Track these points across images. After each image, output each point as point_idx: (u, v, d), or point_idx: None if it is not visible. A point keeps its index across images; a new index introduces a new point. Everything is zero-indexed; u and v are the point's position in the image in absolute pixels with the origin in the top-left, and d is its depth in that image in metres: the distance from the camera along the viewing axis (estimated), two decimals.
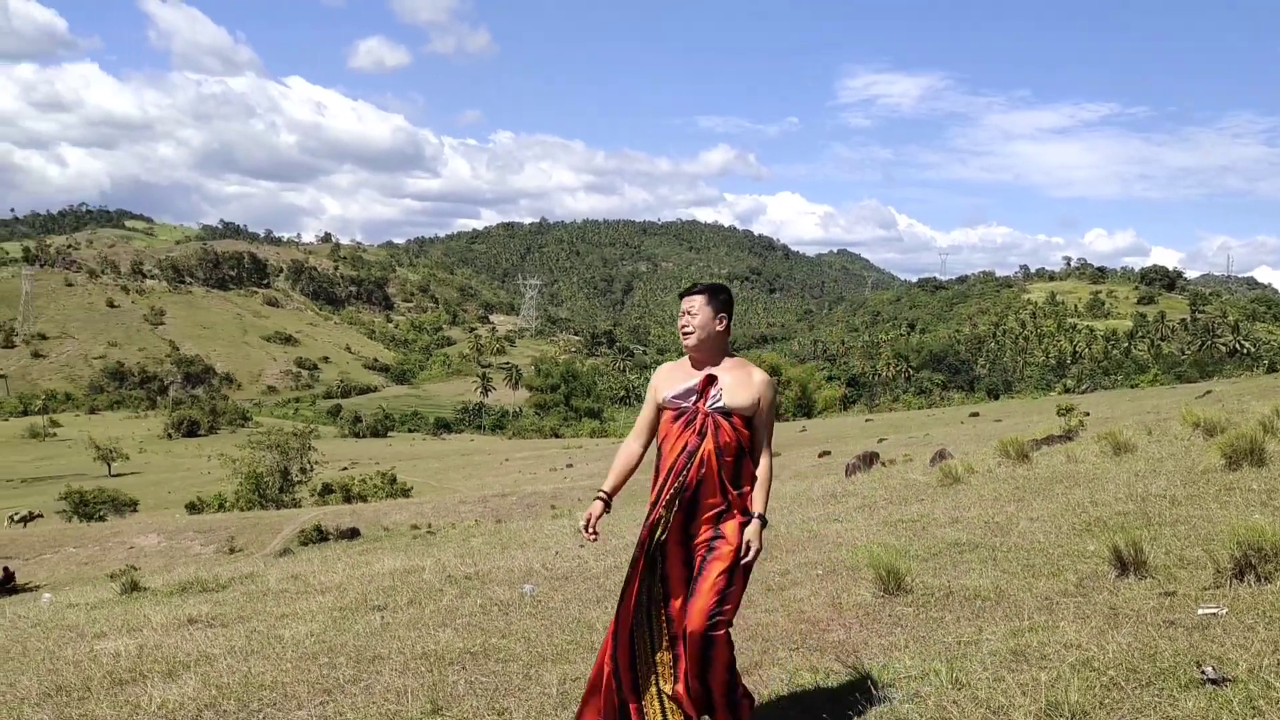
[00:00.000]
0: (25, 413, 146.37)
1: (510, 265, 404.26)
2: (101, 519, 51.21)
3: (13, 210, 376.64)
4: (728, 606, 3.82)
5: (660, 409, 4.05)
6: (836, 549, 7.92)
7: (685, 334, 4.03)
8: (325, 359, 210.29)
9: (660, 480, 3.92)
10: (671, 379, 4.07)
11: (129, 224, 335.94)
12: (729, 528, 3.88)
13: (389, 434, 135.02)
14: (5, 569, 29.95)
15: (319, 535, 31.73)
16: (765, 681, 4.55)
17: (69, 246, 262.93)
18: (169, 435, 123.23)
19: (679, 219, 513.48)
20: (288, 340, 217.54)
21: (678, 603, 3.89)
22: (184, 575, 10.83)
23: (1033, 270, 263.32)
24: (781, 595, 6.35)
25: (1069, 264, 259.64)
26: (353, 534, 30.98)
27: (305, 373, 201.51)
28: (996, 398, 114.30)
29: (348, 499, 51.01)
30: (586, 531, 3.95)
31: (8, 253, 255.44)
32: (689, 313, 4.04)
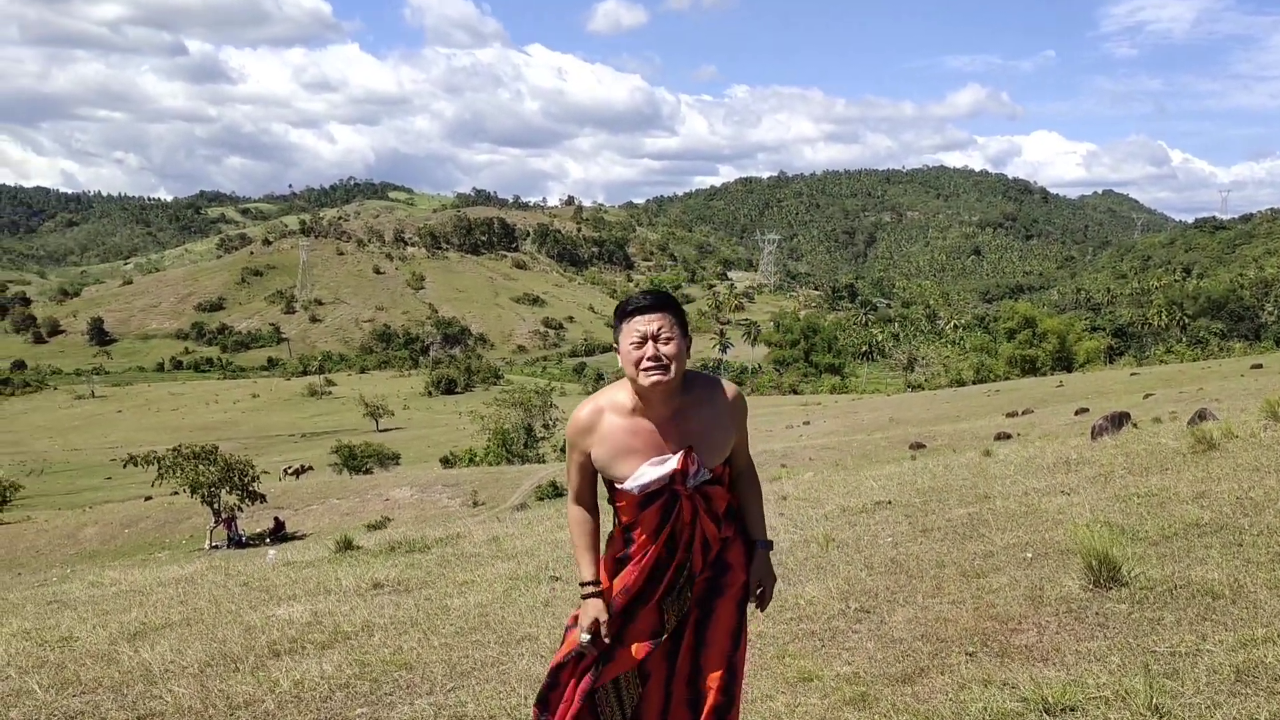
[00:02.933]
0: (305, 372, 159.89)
1: (748, 221, 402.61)
2: (368, 472, 55.01)
3: (290, 186, 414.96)
4: (741, 650, 3.07)
5: (606, 479, 3.05)
6: (1054, 528, 7.03)
7: (652, 372, 2.84)
8: (570, 318, 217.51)
9: (640, 574, 2.95)
10: (618, 450, 2.93)
11: (392, 195, 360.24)
12: (734, 554, 3.08)
13: None
14: (277, 519, 32.72)
15: (554, 490, 32.69)
16: (926, 695, 3.94)
17: (339, 218, 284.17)
18: (429, 393, 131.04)
19: (925, 165, 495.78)
20: (535, 301, 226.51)
21: (655, 684, 3.04)
22: (394, 535, 11.18)
23: None
24: (975, 583, 5.63)
25: None
26: None
27: (552, 332, 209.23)
28: None
29: None
30: (601, 640, 2.98)
31: (287, 226, 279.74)
32: (655, 339, 2.87)
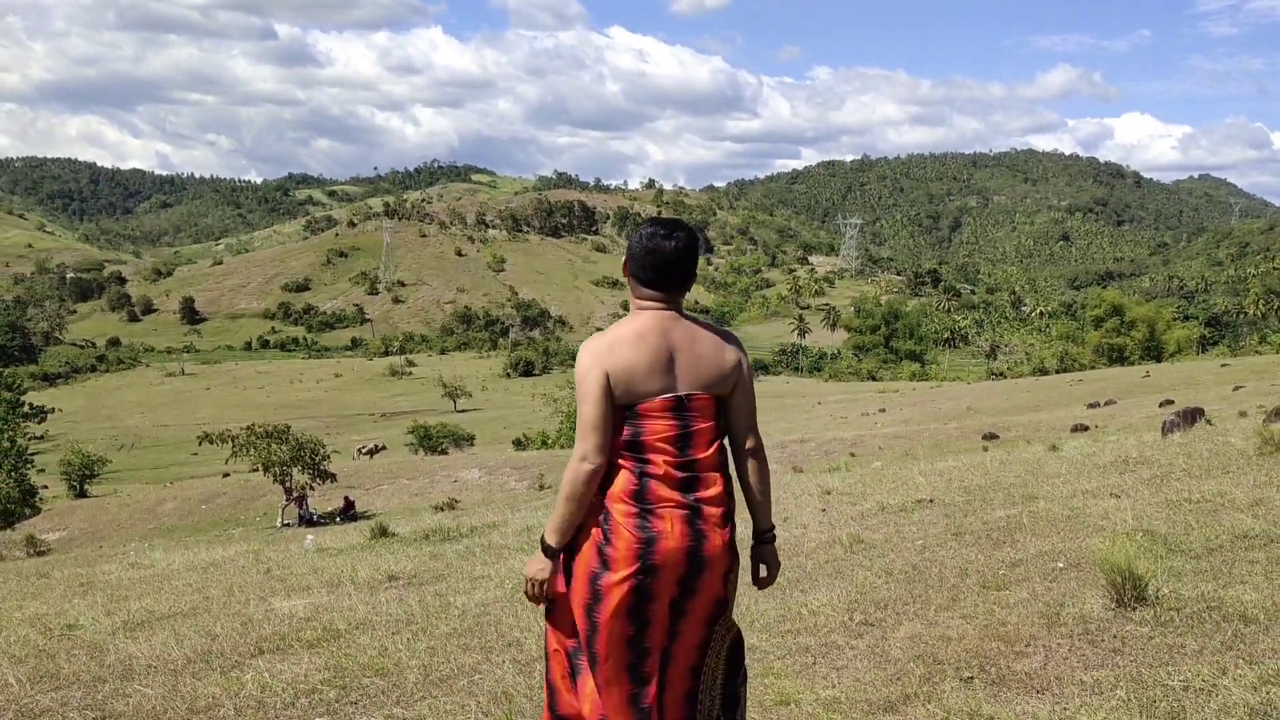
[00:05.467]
0: (387, 353, 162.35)
1: (830, 205, 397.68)
2: (443, 452, 55.59)
3: (376, 169, 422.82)
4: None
5: None
6: (1094, 535, 6.61)
7: None
8: None
9: None
10: None
11: (474, 177, 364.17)
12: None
13: None
14: (347, 499, 33.14)
15: None
16: None
17: (423, 201, 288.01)
18: (507, 375, 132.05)
19: (1013, 148, 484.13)
20: (614, 284, 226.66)
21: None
22: (430, 523, 11.13)
23: None
24: (989, 597, 5.28)
25: None
26: None
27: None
28: None
29: None
30: None
31: (372, 208, 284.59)
32: None
